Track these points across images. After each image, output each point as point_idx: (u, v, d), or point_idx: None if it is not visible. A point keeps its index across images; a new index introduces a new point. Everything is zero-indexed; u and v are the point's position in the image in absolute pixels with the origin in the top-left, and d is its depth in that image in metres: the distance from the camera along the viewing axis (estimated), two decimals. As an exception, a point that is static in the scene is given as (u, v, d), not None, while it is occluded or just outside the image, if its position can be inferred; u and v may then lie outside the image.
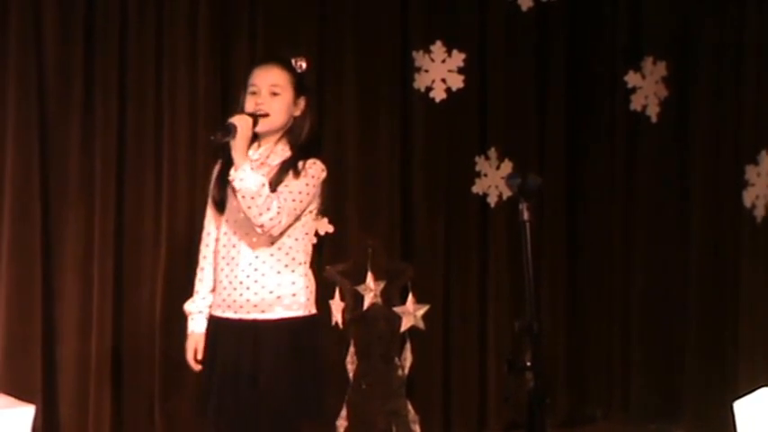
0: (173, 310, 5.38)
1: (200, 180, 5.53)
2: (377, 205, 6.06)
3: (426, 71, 6.14)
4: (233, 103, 5.51)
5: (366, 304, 5.62)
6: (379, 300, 5.65)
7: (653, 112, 6.44)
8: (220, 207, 4.13)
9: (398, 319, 5.67)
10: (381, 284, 5.66)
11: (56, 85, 5.44)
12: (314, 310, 4.11)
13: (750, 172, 6.14)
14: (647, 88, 6.45)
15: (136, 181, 5.56)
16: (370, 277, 5.63)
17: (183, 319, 5.41)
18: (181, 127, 5.62)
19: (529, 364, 3.57)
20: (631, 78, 6.43)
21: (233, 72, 5.68)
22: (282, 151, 4.08)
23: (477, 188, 6.25)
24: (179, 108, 5.62)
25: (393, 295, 5.73)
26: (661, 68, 6.45)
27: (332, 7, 5.98)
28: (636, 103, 6.45)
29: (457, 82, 6.17)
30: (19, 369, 5.31)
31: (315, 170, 4.04)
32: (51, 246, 5.42)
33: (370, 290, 5.63)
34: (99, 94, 5.50)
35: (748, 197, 6.14)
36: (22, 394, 4.61)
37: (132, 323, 5.54)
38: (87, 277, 5.45)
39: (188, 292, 5.40)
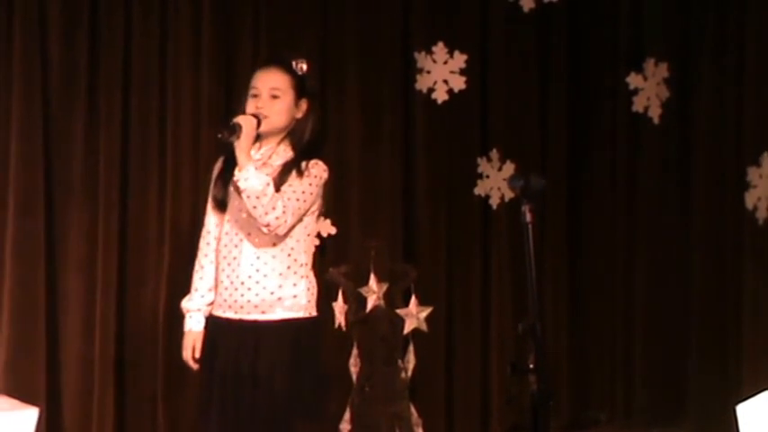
0: (176, 311, 5.36)
1: (204, 179, 5.49)
2: (379, 207, 6.04)
3: (428, 72, 6.12)
4: (236, 102, 5.59)
5: (369, 306, 5.60)
6: (381, 302, 5.63)
7: (655, 113, 6.42)
8: (221, 206, 4.18)
9: (401, 321, 5.65)
10: (384, 286, 5.64)
11: (60, 84, 5.43)
12: (315, 312, 4.16)
13: (752, 174, 6.13)
14: (648, 90, 6.41)
15: (140, 181, 5.55)
16: (372, 279, 5.61)
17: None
18: (184, 126, 5.61)
19: (532, 366, 3.56)
20: (633, 80, 6.41)
21: (236, 72, 5.67)
22: (284, 152, 4.14)
23: (479, 190, 6.23)
24: (182, 107, 5.61)
25: (396, 297, 5.72)
26: (663, 70, 6.43)
27: (334, 8, 5.97)
28: (638, 105, 6.42)
29: (459, 83, 6.15)
30: (23, 371, 5.30)
31: (317, 170, 4.09)
32: (55, 246, 5.41)
33: (373, 292, 5.61)
34: (103, 93, 5.49)
35: (750, 199, 6.13)
36: (25, 396, 4.58)
37: (135, 324, 5.53)
38: (91, 277, 5.44)
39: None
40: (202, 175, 5.48)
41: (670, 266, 6.41)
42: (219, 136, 4.04)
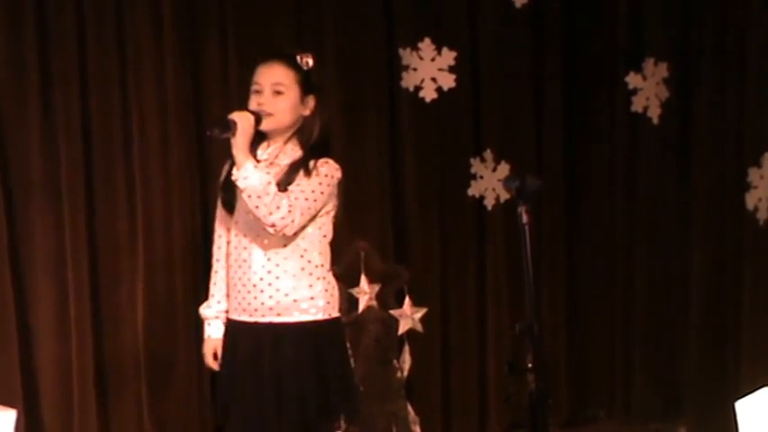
0: (156, 310, 5.31)
1: (175, 177, 5.43)
2: (366, 208, 5.93)
3: (415, 70, 5.98)
4: (204, 97, 5.47)
5: (361, 307, 5.55)
6: (374, 303, 5.58)
7: (654, 113, 6.36)
8: (230, 208, 4.07)
9: (395, 321, 5.62)
10: (376, 287, 5.59)
11: (10, 83, 5.16)
12: (335, 314, 4.06)
13: (753, 174, 6.08)
14: (648, 90, 6.35)
15: (106, 180, 5.35)
16: (363, 280, 5.56)
17: (166, 319, 5.38)
18: (150, 124, 5.38)
19: (530, 365, 3.55)
20: (632, 79, 6.34)
21: (203, 65, 5.50)
22: (292, 151, 4.02)
23: (473, 190, 6.15)
24: (147, 104, 5.38)
25: (389, 298, 5.67)
26: (662, 69, 6.36)
27: (309, 1, 5.76)
28: (637, 105, 6.35)
29: (448, 81, 6.02)
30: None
31: (328, 169, 3.98)
32: (19, 247, 5.20)
33: (365, 293, 5.56)
34: (58, 90, 5.21)
35: (751, 199, 6.09)
36: (0, 399, 4.52)
37: (113, 324, 5.38)
38: (61, 279, 5.26)
39: (169, 290, 5.37)
40: (173, 171, 5.41)
41: (670, 266, 6.38)
42: (209, 133, 3.94)
